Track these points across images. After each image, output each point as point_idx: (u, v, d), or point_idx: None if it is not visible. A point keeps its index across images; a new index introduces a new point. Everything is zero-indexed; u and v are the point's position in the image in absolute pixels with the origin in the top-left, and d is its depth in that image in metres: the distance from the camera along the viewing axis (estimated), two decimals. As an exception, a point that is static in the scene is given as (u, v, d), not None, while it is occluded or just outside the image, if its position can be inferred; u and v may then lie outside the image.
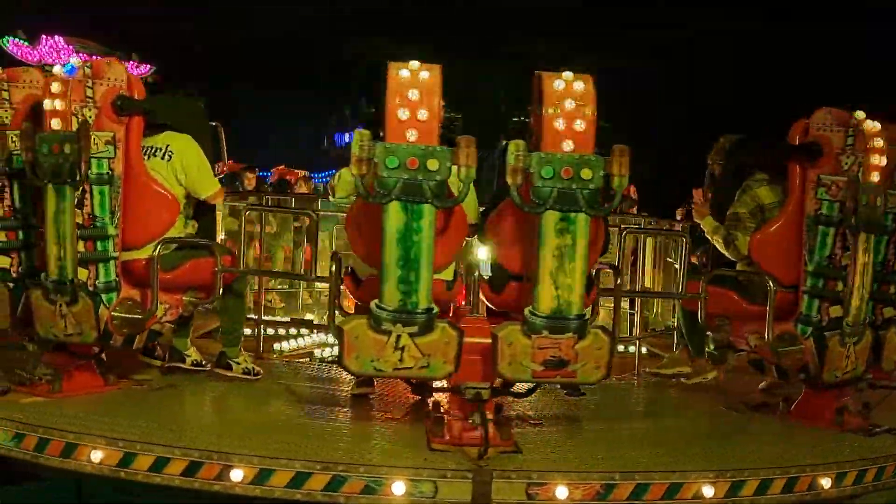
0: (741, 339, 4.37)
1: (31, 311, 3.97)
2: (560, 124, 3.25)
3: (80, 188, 3.79)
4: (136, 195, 3.98)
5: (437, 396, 3.98)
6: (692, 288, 4.58)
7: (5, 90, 4.14)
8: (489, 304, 4.08)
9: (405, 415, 4.12)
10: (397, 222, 3.26)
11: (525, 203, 3.29)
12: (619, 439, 3.91)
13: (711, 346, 4.77)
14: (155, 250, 4.03)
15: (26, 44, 17.42)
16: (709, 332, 4.61)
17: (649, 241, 7.85)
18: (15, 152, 3.99)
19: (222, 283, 4.28)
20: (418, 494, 3.17)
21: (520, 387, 3.78)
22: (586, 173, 3.21)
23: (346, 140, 30.73)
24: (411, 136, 3.24)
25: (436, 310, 3.36)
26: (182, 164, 4.22)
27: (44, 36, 18.01)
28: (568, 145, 3.24)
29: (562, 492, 3.20)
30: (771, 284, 4.05)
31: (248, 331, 5.31)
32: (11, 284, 4.10)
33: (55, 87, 3.77)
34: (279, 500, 3.25)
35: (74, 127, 3.75)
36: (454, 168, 3.23)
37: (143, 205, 3.99)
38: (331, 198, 4.40)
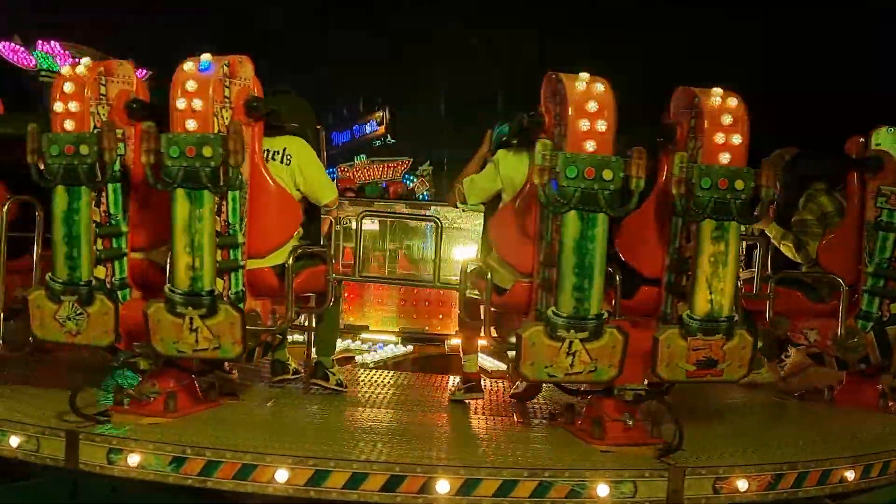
0: (799, 334, 4.81)
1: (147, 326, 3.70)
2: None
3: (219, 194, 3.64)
4: (262, 202, 3.81)
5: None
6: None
7: (103, 85, 3.84)
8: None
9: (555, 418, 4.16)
10: (574, 231, 3.40)
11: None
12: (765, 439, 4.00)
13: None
14: (288, 258, 3.90)
15: (22, 48, 17.19)
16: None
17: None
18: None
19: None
20: (619, 495, 3.29)
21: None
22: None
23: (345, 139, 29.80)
24: (590, 146, 3.38)
25: (605, 315, 3.49)
26: (301, 169, 4.10)
27: (40, 41, 17.71)
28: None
29: (742, 484, 3.42)
30: (843, 284, 4.42)
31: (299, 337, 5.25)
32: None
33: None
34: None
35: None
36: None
37: (269, 212, 3.83)
38: (458, 204, 4.36)
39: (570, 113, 3.41)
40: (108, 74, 3.80)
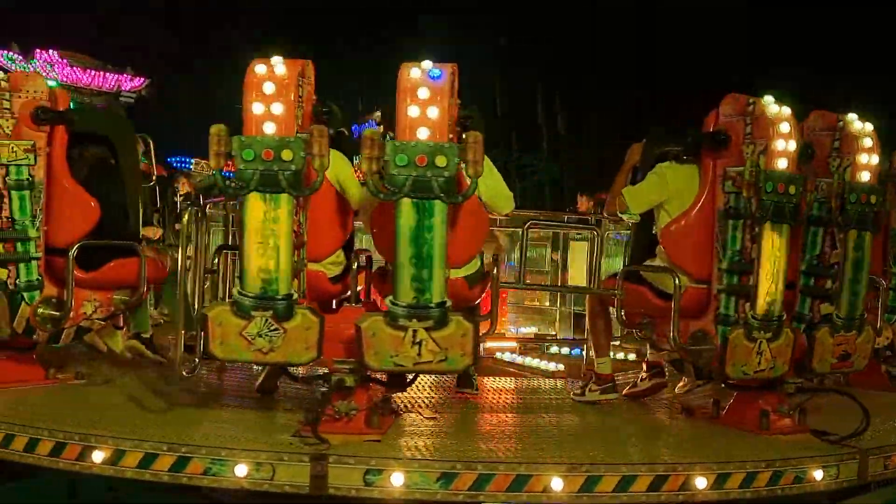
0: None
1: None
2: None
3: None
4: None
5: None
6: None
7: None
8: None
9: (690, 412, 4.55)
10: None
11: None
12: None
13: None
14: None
15: (20, 57, 17.28)
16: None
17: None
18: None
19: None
20: (829, 477, 3.71)
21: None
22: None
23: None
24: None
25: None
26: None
27: (38, 50, 17.81)
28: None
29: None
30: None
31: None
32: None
33: None
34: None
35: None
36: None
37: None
38: (619, 213, 4.70)
39: (769, 133, 3.86)
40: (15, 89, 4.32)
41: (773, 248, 3.94)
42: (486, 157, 4.10)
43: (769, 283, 3.94)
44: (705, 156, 4.23)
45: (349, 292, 4.34)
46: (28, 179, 4.36)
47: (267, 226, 3.52)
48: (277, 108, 3.50)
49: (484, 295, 4.59)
